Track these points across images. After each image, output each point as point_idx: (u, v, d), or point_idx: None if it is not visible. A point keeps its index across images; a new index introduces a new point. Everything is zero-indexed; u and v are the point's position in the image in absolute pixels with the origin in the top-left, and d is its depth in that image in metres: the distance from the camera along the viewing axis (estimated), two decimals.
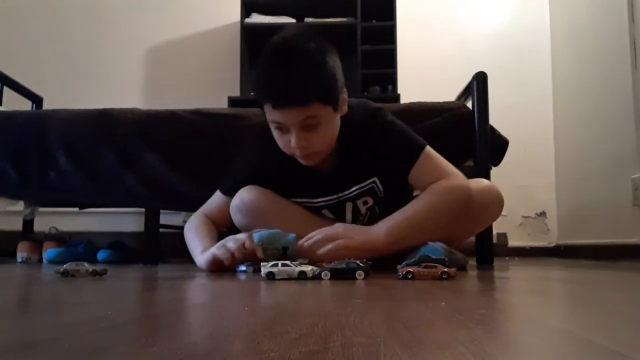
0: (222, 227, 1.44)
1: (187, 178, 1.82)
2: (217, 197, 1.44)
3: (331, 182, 1.36)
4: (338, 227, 1.24)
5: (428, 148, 1.30)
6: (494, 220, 1.47)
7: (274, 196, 1.38)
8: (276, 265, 0.98)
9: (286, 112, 1.16)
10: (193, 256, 1.35)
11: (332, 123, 1.23)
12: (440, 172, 1.27)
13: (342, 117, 1.29)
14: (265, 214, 1.34)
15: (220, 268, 1.24)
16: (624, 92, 2.27)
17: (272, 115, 1.19)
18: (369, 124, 1.31)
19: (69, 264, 1.10)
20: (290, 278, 0.96)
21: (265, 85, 1.18)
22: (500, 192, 1.37)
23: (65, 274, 1.08)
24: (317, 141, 1.22)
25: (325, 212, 1.40)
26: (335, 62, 1.20)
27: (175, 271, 1.35)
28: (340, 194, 1.38)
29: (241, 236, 1.24)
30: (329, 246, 1.18)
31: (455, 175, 1.27)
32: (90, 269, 1.08)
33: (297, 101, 1.14)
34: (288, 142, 1.21)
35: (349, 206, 1.39)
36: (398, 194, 1.41)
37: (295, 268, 0.97)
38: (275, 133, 1.24)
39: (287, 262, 0.99)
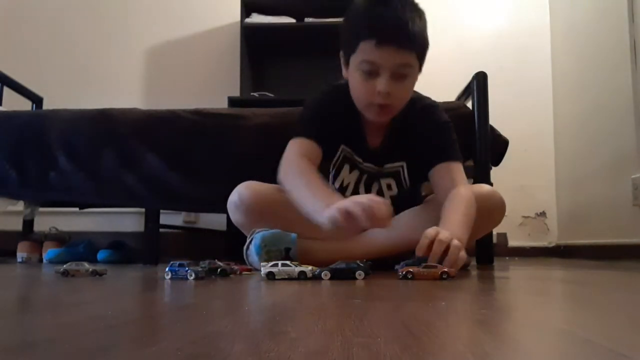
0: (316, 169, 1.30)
1: (187, 178, 1.82)
2: (295, 142, 1.30)
3: (374, 155, 1.38)
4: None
5: (460, 164, 1.32)
6: (496, 225, 1.47)
7: (273, 194, 1.37)
8: (276, 265, 0.97)
9: (387, 52, 1.17)
10: (311, 212, 1.13)
11: (414, 82, 1.27)
12: (460, 181, 1.27)
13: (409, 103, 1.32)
14: (264, 213, 1.34)
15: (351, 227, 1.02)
16: (624, 92, 2.27)
17: (369, 54, 1.18)
18: (426, 112, 1.35)
19: (69, 264, 1.10)
20: (290, 278, 0.96)
21: (373, 21, 1.18)
22: (502, 198, 1.37)
23: (65, 274, 1.08)
24: (400, 93, 1.24)
25: (364, 177, 1.40)
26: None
27: None
28: (376, 167, 1.39)
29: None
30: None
31: (469, 188, 1.28)
32: (90, 269, 1.08)
33: (402, 43, 1.17)
34: (373, 88, 1.20)
35: (375, 185, 1.40)
36: (412, 193, 1.44)
37: (295, 268, 0.97)
38: (361, 78, 1.22)
39: (287, 262, 0.99)
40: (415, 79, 1.26)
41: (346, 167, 1.41)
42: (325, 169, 1.39)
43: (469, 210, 1.19)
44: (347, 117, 1.33)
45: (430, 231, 1.03)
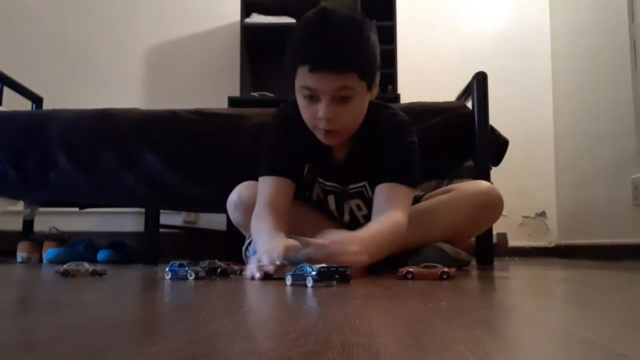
0: (287, 210, 1.26)
1: (187, 178, 1.82)
2: (265, 182, 1.28)
3: (339, 170, 1.32)
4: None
5: (409, 189, 1.24)
6: (494, 222, 1.47)
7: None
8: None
9: (322, 77, 1.10)
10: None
11: (362, 102, 1.19)
12: (397, 206, 1.19)
13: (374, 115, 1.26)
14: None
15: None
16: (624, 92, 2.27)
17: (305, 80, 1.13)
18: (394, 132, 1.28)
19: (69, 264, 1.10)
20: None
21: (306, 46, 1.12)
22: (500, 194, 1.37)
23: (65, 274, 1.08)
24: (345, 117, 1.16)
25: (330, 198, 1.37)
26: (376, 41, 1.17)
27: None
28: (342, 187, 1.35)
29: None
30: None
31: (405, 216, 1.20)
32: (90, 269, 1.08)
33: (336, 67, 1.09)
34: (315, 113, 1.15)
35: (347, 205, 1.37)
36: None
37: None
38: (303, 102, 1.18)
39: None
40: (363, 97, 1.18)
41: (317, 187, 1.37)
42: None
43: (389, 235, 1.13)
44: (308, 133, 1.25)
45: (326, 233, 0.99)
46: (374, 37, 1.16)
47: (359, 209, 1.36)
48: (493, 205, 1.37)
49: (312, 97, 1.15)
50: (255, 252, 1.20)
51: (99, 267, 1.11)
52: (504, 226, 3.03)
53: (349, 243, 0.98)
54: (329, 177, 1.34)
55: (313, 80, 1.11)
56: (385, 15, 3.05)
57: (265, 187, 1.27)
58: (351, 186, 1.34)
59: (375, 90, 1.23)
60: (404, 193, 1.23)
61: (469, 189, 1.37)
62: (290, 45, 1.16)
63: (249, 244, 1.30)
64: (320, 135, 1.21)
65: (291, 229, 1.17)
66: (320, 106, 1.13)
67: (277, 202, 1.24)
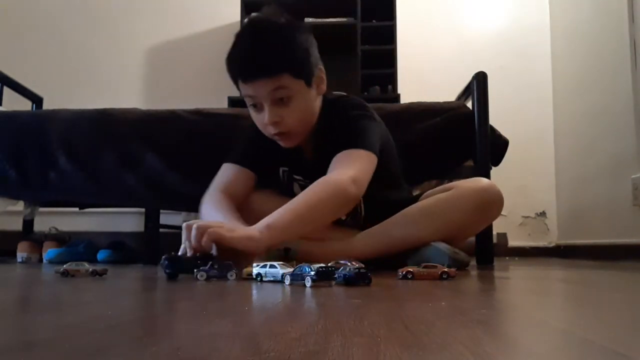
0: (240, 199, 1.32)
1: (187, 178, 1.82)
2: (227, 168, 1.37)
3: (312, 168, 1.34)
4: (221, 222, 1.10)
5: (364, 152, 1.22)
6: (493, 219, 1.47)
7: (270, 196, 1.37)
8: (265, 266, 0.94)
9: (255, 85, 1.17)
10: None
11: (306, 99, 1.23)
12: (345, 166, 1.18)
13: (329, 109, 1.30)
14: (262, 214, 1.33)
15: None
16: (624, 92, 2.27)
17: (244, 89, 1.20)
18: (340, 115, 1.32)
19: (69, 264, 1.10)
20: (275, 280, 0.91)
21: (234, 60, 1.20)
22: (500, 191, 1.37)
23: (65, 274, 1.08)
24: (290, 117, 1.21)
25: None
26: (307, 38, 1.22)
27: None
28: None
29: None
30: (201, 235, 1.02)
31: (354, 171, 1.16)
32: (90, 269, 1.08)
33: (264, 72, 1.15)
34: (263, 120, 1.22)
35: None
36: (383, 200, 1.38)
37: (281, 270, 0.90)
38: (252, 113, 1.25)
39: (275, 263, 0.93)
40: (304, 95, 1.21)
41: (296, 186, 1.41)
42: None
43: (318, 197, 1.11)
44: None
45: (191, 223, 1.04)
46: (305, 36, 1.21)
47: None
48: (493, 202, 1.37)
49: (256, 106, 1.21)
50: None
51: (99, 267, 1.11)
52: (504, 226, 3.04)
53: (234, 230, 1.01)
54: (306, 176, 1.38)
55: (249, 89, 1.18)
56: (385, 15, 3.05)
57: (224, 172, 1.35)
58: None
59: (324, 85, 1.28)
60: (356, 154, 1.22)
61: (468, 186, 1.37)
62: (226, 62, 1.22)
63: None
64: (277, 140, 1.26)
65: None
66: (264, 113, 1.20)
67: (231, 190, 1.31)
